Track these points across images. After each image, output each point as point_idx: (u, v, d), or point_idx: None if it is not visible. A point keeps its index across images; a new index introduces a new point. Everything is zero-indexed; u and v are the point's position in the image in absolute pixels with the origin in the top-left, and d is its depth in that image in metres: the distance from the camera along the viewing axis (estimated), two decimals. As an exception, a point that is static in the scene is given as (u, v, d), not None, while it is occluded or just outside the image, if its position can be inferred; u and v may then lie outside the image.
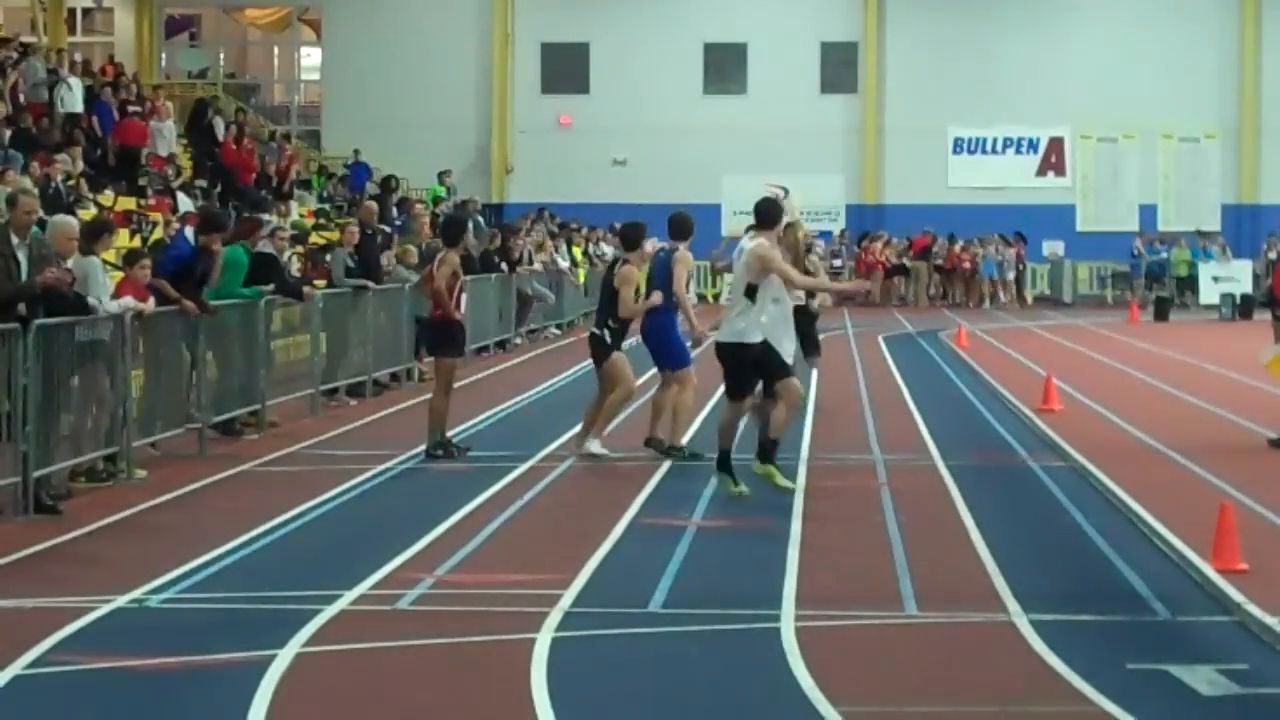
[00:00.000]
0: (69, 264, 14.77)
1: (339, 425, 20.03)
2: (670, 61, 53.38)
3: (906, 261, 51.56)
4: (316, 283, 21.66)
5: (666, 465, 16.47)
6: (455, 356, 17.66)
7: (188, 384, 17.61)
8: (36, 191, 15.52)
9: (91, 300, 15.06)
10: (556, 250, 39.17)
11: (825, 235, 50.63)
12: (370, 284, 23.29)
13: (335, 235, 28.98)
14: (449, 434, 17.45)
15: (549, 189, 51.29)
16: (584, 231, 45.72)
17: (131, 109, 35.27)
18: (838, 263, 51.88)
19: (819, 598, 10.72)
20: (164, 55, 56.59)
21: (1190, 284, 49.53)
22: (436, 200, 43.85)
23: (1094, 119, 53.15)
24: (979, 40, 52.95)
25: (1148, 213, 53.33)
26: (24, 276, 14.19)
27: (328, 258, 25.03)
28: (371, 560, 11.80)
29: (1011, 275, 51.31)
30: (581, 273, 41.44)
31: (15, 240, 14.20)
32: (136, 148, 34.19)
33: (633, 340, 17.45)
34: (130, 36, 54.77)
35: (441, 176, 47.31)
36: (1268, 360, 18.52)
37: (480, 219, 40.63)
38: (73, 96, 33.34)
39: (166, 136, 36.16)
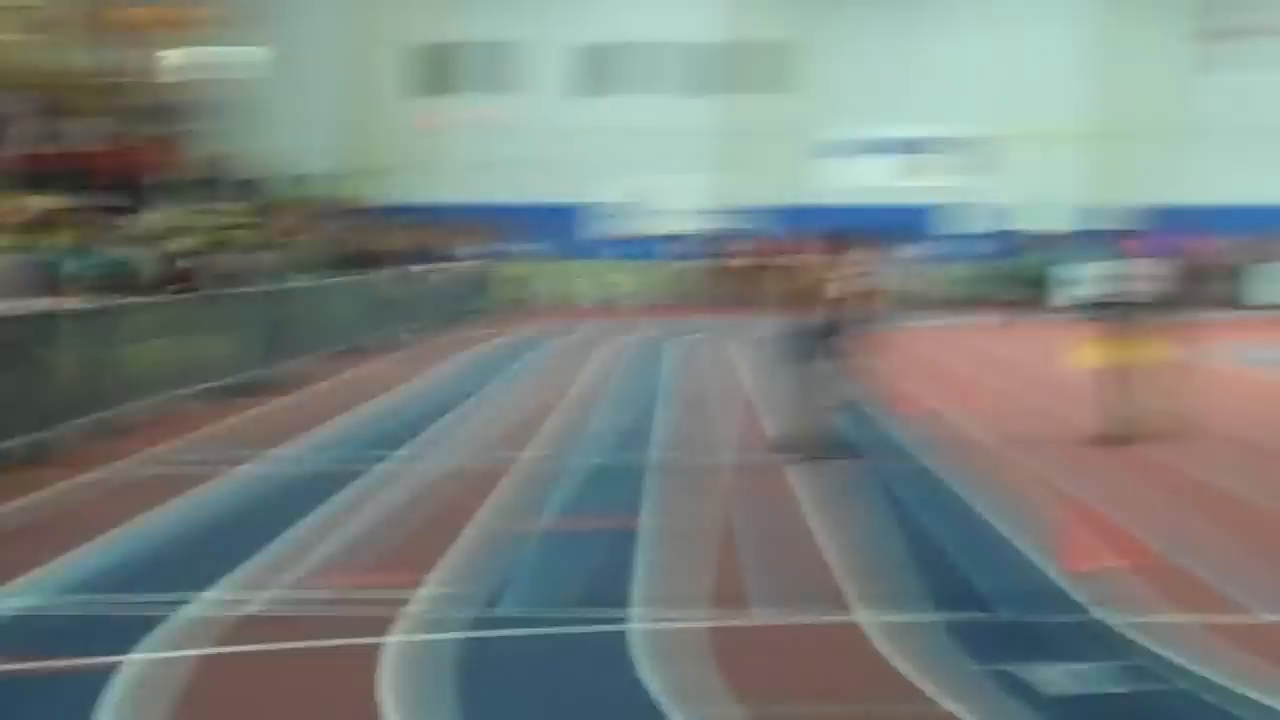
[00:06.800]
0: None
1: (200, 428, 19.87)
2: (547, 61, 53.33)
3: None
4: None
5: (526, 469, 16.49)
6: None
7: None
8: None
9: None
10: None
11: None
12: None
13: (200, 239, 28.50)
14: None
15: (423, 189, 51.06)
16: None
17: None
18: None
19: (669, 598, 10.75)
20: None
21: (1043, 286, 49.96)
22: (302, 202, 43.52)
23: (975, 119, 53.41)
24: (857, 41, 53.38)
25: (1030, 215, 53.48)
26: None
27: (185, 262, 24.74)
28: (223, 564, 11.73)
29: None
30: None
31: None
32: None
33: None
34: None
35: (302, 178, 46.96)
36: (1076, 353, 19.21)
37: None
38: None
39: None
